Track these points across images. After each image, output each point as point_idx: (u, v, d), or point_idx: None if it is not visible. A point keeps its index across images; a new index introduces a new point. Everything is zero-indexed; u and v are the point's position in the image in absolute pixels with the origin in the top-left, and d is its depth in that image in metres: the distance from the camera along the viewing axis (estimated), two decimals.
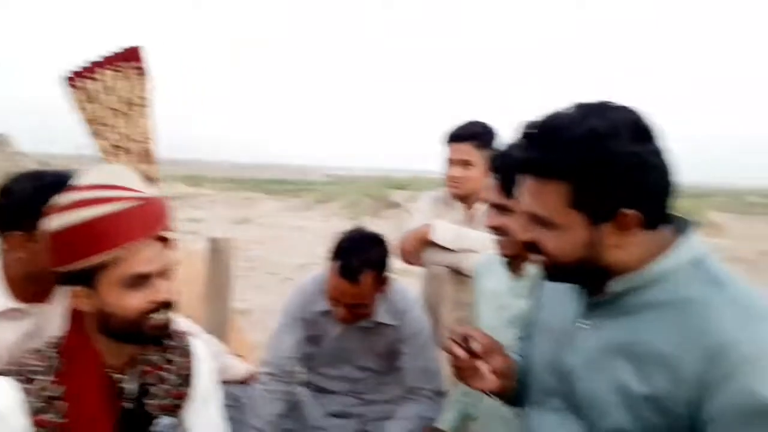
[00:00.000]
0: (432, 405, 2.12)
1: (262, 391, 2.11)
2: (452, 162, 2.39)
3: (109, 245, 1.22)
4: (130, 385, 1.38)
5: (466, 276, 2.38)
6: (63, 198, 1.25)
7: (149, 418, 1.42)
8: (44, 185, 1.41)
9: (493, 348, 1.23)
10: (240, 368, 2.18)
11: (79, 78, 1.77)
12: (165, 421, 1.45)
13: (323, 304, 2.09)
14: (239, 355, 2.79)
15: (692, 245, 1.04)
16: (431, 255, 2.43)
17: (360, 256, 1.93)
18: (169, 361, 1.46)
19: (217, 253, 2.37)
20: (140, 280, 1.26)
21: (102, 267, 1.23)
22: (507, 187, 1.54)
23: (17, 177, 1.51)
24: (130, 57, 1.67)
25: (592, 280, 1.08)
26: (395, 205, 16.41)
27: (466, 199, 2.44)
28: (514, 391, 1.29)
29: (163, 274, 1.31)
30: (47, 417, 1.25)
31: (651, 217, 1.00)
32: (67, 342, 1.33)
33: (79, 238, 1.22)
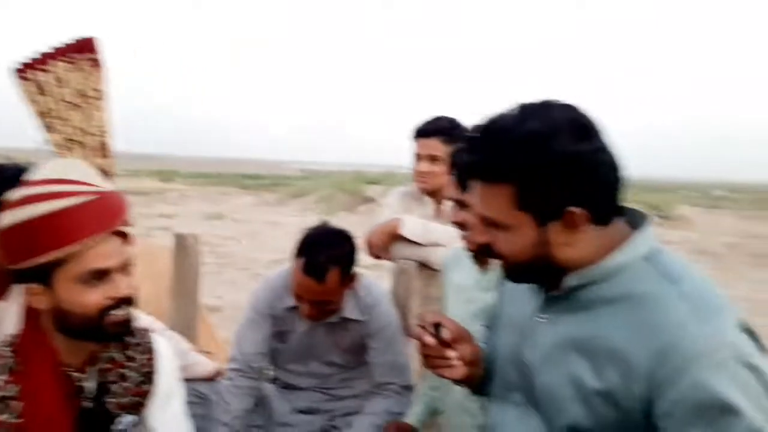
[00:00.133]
0: (400, 400, 2.12)
1: (229, 387, 2.09)
2: (420, 157, 2.39)
3: (65, 241, 1.19)
4: (89, 384, 1.36)
5: (435, 270, 2.39)
6: (15, 194, 1.22)
7: (111, 417, 1.40)
8: (3, 179, 1.38)
9: (462, 336, 1.24)
10: (206, 365, 2.16)
11: (30, 70, 1.71)
12: (126, 419, 1.43)
13: (290, 300, 2.07)
14: (208, 352, 2.76)
15: (646, 239, 1.04)
16: (400, 249, 2.43)
17: (325, 253, 1.91)
18: (131, 359, 1.43)
19: (184, 249, 2.34)
20: (98, 276, 1.24)
21: (58, 264, 1.21)
22: (464, 183, 1.55)
23: None
24: (84, 48, 1.61)
25: (548, 277, 1.09)
26: (370, 200, 16.40)
27: (434, 194, 2.44)
28: (481, 380, 1.30)
29: (122, 269, 1.28)
30: (2, 417, 1.23)
31: (599, 213, 1.01)
32: (22, 340, 1.30)
33: (33, 234, 1.19)
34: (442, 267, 1.97)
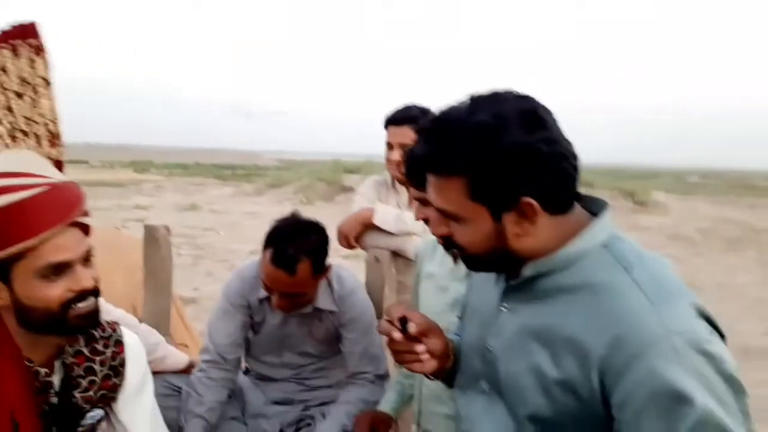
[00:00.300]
0: (374, 388, 2.12)
1: (202, 378, 2.08)
2: (391, 145, 2.39)
3: (20, 236, 1.16)
4: (55, 379, 1.34)
5: (409, 259, 2.40)
6: None
7: (80, 412, 1.38)
8: None
9: (431, 329, 1.22)
10: (179, 358, 2.14)
11: None
12: (96, 413, 1.42)
13: (262, 291, 2.06)
14: (183, 345, 2.73)
15: (605, 227, 1.04)
16: (373, 238, 2.43)
17: (295, 245, 1.89)
18: (98, 352, 1.41)
19: (155, 241, 2.30)
20: (58, 270, 1.21)
21: (15, 259, 1.18)
22: (420, 179, 1.54)
23: None
24: (25, 34, 1.54)
25: (508, 267, 1.09)
26: (348, 189, 16.36)
27: (407, 182, 2.44)
28: (453, 372, 1.29)
29: (83, 261, 1.26)
30: None
31: (553, 203, 1.01)
32: None
33: None
34: (415, 257, 1.97)
